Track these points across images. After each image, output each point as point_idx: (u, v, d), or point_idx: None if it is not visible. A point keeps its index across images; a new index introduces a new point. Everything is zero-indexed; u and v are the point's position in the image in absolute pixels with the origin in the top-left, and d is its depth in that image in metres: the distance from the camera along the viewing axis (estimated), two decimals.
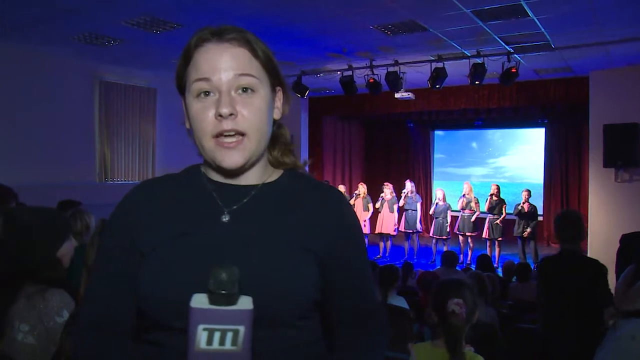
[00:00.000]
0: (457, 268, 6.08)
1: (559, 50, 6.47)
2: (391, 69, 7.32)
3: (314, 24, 5.59)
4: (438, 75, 7.00)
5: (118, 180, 7.77)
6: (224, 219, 1.01)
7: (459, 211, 9.30)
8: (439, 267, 6.49)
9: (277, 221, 1.02)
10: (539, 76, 8.26)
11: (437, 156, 13.17)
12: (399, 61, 7.23)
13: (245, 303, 0.77)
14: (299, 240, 1.01)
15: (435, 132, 13.16)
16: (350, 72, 7.69)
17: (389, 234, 9.45)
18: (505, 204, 8.97)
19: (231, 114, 0.96)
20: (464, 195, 9.21)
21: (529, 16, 5.14)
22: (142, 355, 1.00)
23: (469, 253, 9.13)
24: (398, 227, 9.53)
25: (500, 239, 8.92)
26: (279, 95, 1.10)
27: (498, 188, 9.14)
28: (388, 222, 9.42)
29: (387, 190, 9.52)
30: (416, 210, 9.38)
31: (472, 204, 9.11)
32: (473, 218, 9.06)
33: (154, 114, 8.18)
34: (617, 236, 3.59)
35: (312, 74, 8.03)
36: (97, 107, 7.52)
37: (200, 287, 0.80)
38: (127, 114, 7.87)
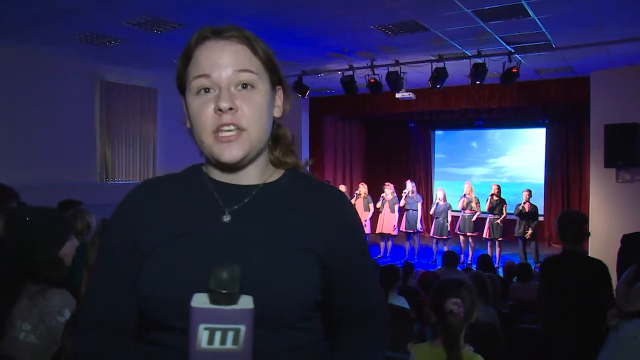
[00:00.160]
0: (458, 268, 6.07)
1: (559, 50, 6.47)
2: (392, 68, 7.32)
3: (314, 24, 5.59)
4: (439, 75, 7.00)
5: (119, 180, 7.78)
6: (225, 219, 1.01)
7: (460, 211, 9.29)
8: (439, 267, 6.49)
9: (278, 221, 1.02)
10: (540, 76, 8.26)
11: (438, 156, 13.17)
12: (400, 61, 7.23)
13: (246, 302, 0.77)
14: (300, 240, 1.01)
15: (436, 132, 13.16)
16: (351, 72, 7.69)
17: (390, 234, 9.45)
18: (505, 204, 8.97)
19: (230, 109, 0.96)
20: (464, 195, 9.21)
21: (530, 16, 5.14)
22: (143, 355, 1.00)
23: (470, 253, 9.12)
24: (399, 227, 9.53)
25: (500, 239, 8.91)
26: (280, 94, 1.10)
27: (499, 188, 9.14)
28: (389, 222, 9.41)
29: (388, 190, 9.52)
30: (417, 210, 9.37)
31: (473, 204, 9.10)
32: (474, 218, 9.06)
33: (154, 114, 8.18)
34: (618, 236, 3.59)
35: (313, 74, 8.03)
36: (98, 107, 7.53)
37: (201, 287, 0.80)
38: (127, 114, 7.88)
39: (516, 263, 6.65)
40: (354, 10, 5.09)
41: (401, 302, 3.91)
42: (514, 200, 9.62)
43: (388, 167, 12.93)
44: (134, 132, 7.98)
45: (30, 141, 6.54)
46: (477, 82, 6.95)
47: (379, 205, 9.54)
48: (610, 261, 3.23)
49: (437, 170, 13.10)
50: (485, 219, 9.09)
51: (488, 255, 7.36)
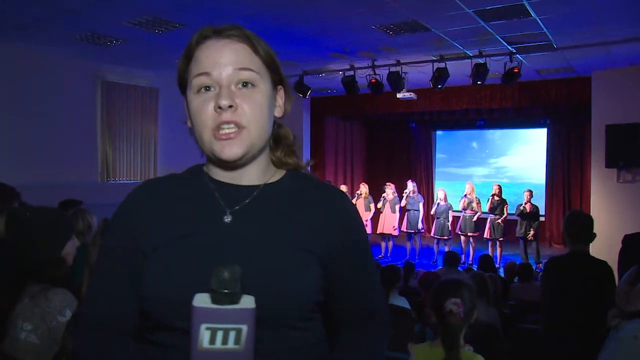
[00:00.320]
0: (459, 268, 6.07)
1: (561, 51, 6.46)
2: (393, 69, 7.32)
3: (315, 24, 5.59)
4: (440, 75, 7.00)
5: (120, 180, 7.78)
6: (226, 219, 1.01)
7: (461, 211, 9.29)
8: (440, 267, 6.48)
9: (279, 221, 1.02)
10: (541, 76, 8.25)
11: (439, 156, 13.17)
12: (401, 61, 7.23)
13: (247, 302, 0.77)
14: (301, 240, 1.00)
15: (437, 132, 13.15)
16: (352, 72, 7.69)
17: (391, 234, 9.45)
18: (506, 204, 8.96)
19: (230, 106, 0.96)
20: (465, 195, 9.20)
21: (531, 16, 5.13)
22: (144, 355, 1.00)
23: (471, 253, 9.12)
24: (400, 228, 9.53)
25: (501, 239, 8.91)
26: (281, 93, 1.10)
27: (500, 188, 9.13)
28: (389, 222, 9.41)
29: (389, 190, 9.51)
30: (418, 210, 9.36)
31: (474, 204, 9.10)
32: (475, 218, 9.05)
33: (156, 114, 8.19)
34: (619, 237, 3.58)
35: (314, 74, 8.03)
36: (99, 107, 7.54)
37: (203, 288, 0.80)
38: (129, 113, 7.89)
39: (517, 263, 6.65)
40: (355, 10, 5.09)
41: (402, 302, 3.91)
42: (515, 200, 9.61)
43: (389, 167, 12.93)
44: (135, 132, 7.98)
45: (32, 141, 6.54)
46: (479, 82, 6.94)
47: (379, 205, 9.54)
48: (612, 261, 3.22)
49: (438, 170, 13.10)
50: (486, 219, 9.08)
51: (489, 256, 7.36)
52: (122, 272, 1.02)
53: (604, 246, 4.70)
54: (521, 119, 11.18)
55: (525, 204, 8.82)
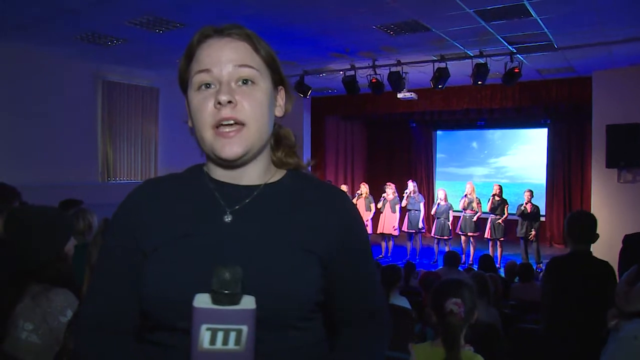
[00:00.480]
0: (460, 268, 6.07)
1: (561, 50, 6.46)
2: (394, 68, 7.32)
3: (316, 24, 5.59)
4: (440, 75, 7.00)
5: (120, 180, 7.79)
6: (226, 219, 1.01)
7: (461, 211, 9.29)
8: (441, 267, 6.49)
9: (279, 221, 1.02)
10: (542, 76, 8.25)
11: (439, 156, 13.17)
12: (402, 61, 7.22)
13: (248, 303, 0.77)
14: (302, 240, 1.00)
15: (438, 132, 13.15)
16: (352, 72, 7.68)
17: (391, 234, 9.45)
18: (507, 204, 8.96)
19: (230, 102, 0.96)
20: (465, 195, 9.20)
21: (532, 16, 5.13)
22: (145, 355, 1.00)
23: (471, 253, 9.12)
24: (400, 227, 9.53)
25: (502, 239, 8.91)
26: (281, 93, 1.10)
27: (500, 188, 9.13)
28: (389, 222, 9.41)
29: (390, 190, 9.51)
30: (419, 210, 9.37)
31: (474, 204, 9.10)
32: (475, 218, 9.06)
33: (156, 114, 8.19)
34: (619, 237, 3.58)
35: (315, 73, 8.03)
36: (100, 106, 7.54)
37: (203, 288, 0.80)
38: (129, 113, 7.89)
39: (518, 263, 6.65)
40: (355, 10, 5.09)
41: (403, 302, 3.91)
42: (515, 200, 9.61)
43: (389, 167, 12.93)
44: (135, 132, 7.99)
45: (32, 141, 6.55)
46: (479, 82, 6.94)
47: (380, 205, 9.54)
48: (612, 261, 3.22)
49: (439, 170, 13.10)
50: (487, 219, 9.08)
51: (489, 256, 7.36)
52: (122, 272, 1.02)
53: (605, 246, 4.69)
54: (522, 119, 11.17)
55: (526, 204, 8.82)
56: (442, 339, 1.90)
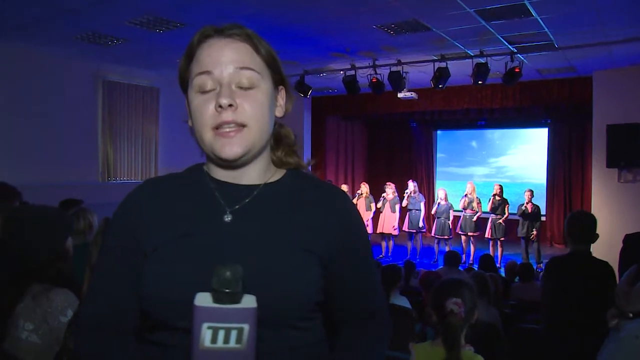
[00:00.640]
0: (460, 268, 6.07)
1: (562, 50, 6.46)
2: (394, 68, 7.32)
3: (316, 24, 5.59)
4: (441, 75, 7.00)
5: (121, 180, 7.79)
6: (226, 219, 1.01)
7: (461, 211, 9.29)
8: (441, 267, 6.49)
9: (279, 221, 1.02)
10: (542, 76, 8.25)
11: (439, 156, 13.17)
12: (402, 61, 7.22)
13: (249, 301, 0.77)
14: (302, 240, 1.00)
15: (438, 132, 13.15)
16: (353, 72, 7.68)
17: (390, 233, 9.45)
18: (508, 204, 8.96)
19: (230, 105, 0.96)
20: (466, 195, 9.21)
21: (533, 16, 5.13)
22: (145, 355, 1.00)
23: (472, 253, 9.12)
24: (400, 227, 9.53)
25: (502, 238, 8.91)
26: (282, 93, 1.10)
27: (501, 188, 9.13)
28: (389, 222, 9.41)
29: (389, 190, 9.52)
30: (420, 210, 9.37)
31: (474, 204, 9.10)
32: (475, 218, 9.06)
33: (156, 114, 8.19)
34: (620, 236, 3.58)
35: (315, 73, 8.03)
36: (100, 106, 7.55)
37: (203, 287, 0.80)
38: (130, 113, 7.90)
39: (518, 263, 6.65)
40: (356, 10, 5.09)
41: (403, 301, 3.91)
42: (516, 200, 9.61)
43: (390, 167, 12.93)
44: (136, 132, 7.99)
45: (33, 141, 6.55)
46: (480, 82, 6.94)
47: (379, 205, 9.54)
48: (613, 261, 3.22)
49: (439, 170, 13.10)
50: (488, 218, 9.08)
51: (490, 255, 7.36)
52: (122, 272, 1.02)
53: (605, 246, 4.69)
54: (522, 118, 11.17)
55: (527, 204, 8.82)
56: (442, 339, 1.90)
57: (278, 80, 1.07)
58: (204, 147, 1.01)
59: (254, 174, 1.06)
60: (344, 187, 9.76)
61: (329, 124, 11.64)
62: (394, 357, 2.47)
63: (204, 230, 1.00)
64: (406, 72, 7.38)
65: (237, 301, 0.77)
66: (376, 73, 7.54)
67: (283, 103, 1.10)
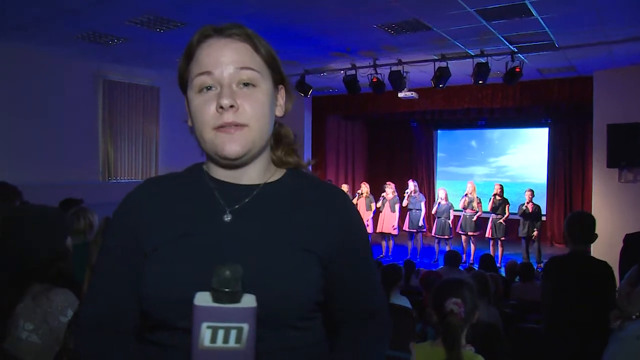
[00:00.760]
0: (460, 268, 6.07)
1: (562, 50, 6.46)
2: (394, 68, 7.32)
3: (316, 23, 5.59)
4: (441, 74, 6.99)
5: (121, 179, 7.79)
6: (226, 219, 1.01)
7: (461, 211, 9.29)
8: (441, 266, 6.49)
9: (279, 221, 1.02)
10: (543, 76, 8.25)
11: (440, 155, 13.16)
12: (403, 60, 7.22)
13: (248, 301, 0.77)
14: (301, 240, 1.00)
15: (438, 131, 13.15)
16: (353, 72, 7.68)
17: (390, 233, 9.45)
18: (508, 203, 8.96)
19: (232, 106, 0.95)
20: (466, 194, 9.20)
21: (533, 15, 5.13)
22: (145, 355, 1.00)
23: (472, 252, 9.12)
24: (400, 227, 9.52)
25: (503, 238, 8.91)
26: (282, 93, 1.10)
27: (501, 188, 9.12)
28: (389, 222, 9.41)
29: (389, 190, 9.51)
30: (420, 209, 9.37)
31: (474, 204, 9.10)
32: (475, 217, 9.05)
33: (157, 113, 8.20)
34: (620, 236, 3.58)
35: (316, 73, 8.03)
36: (101, 106, 7.55)
37: (203, 287, 0.80)
38: (130, 112, 7.90)
39: (518, 263, 6.65)
40: (356, 10, 5.09)
41: (403, 301, 3.91)
42: (516, 199, 9.61)
43: (390, 167, 12.93)
44: (136, 131, 7.99)
45: (33, 140, 6.55)
46: (480, 82, 6.94)
47: (379, 204, 9.54)
48: (613, 261, 3.23)
49: (439, 169, 13.10)
50: (488, 218, 9.08)
51: (490, 255, 7.35)
52: (122, 271, 1.02)
53: (605, 246, 4.70)
54: (522, 118, 11.16)
55: (528, 203, 8.82)
56: (443, 339, 1.89)
57: (278, 79, 1.07)
58: (204, 146, 1.01)
59: (253, 174, 1.06)
60: (344, 187, 9.76)
61: (329, 124, 11.64)
62: (395, 356, 2.47)
63: (204, 230, 0.99)
64: (407, 72, 7.38)
65: (237, 301, 0.77)
66: (377, 73, 7.54)
67: (283, 103, 1.10)
